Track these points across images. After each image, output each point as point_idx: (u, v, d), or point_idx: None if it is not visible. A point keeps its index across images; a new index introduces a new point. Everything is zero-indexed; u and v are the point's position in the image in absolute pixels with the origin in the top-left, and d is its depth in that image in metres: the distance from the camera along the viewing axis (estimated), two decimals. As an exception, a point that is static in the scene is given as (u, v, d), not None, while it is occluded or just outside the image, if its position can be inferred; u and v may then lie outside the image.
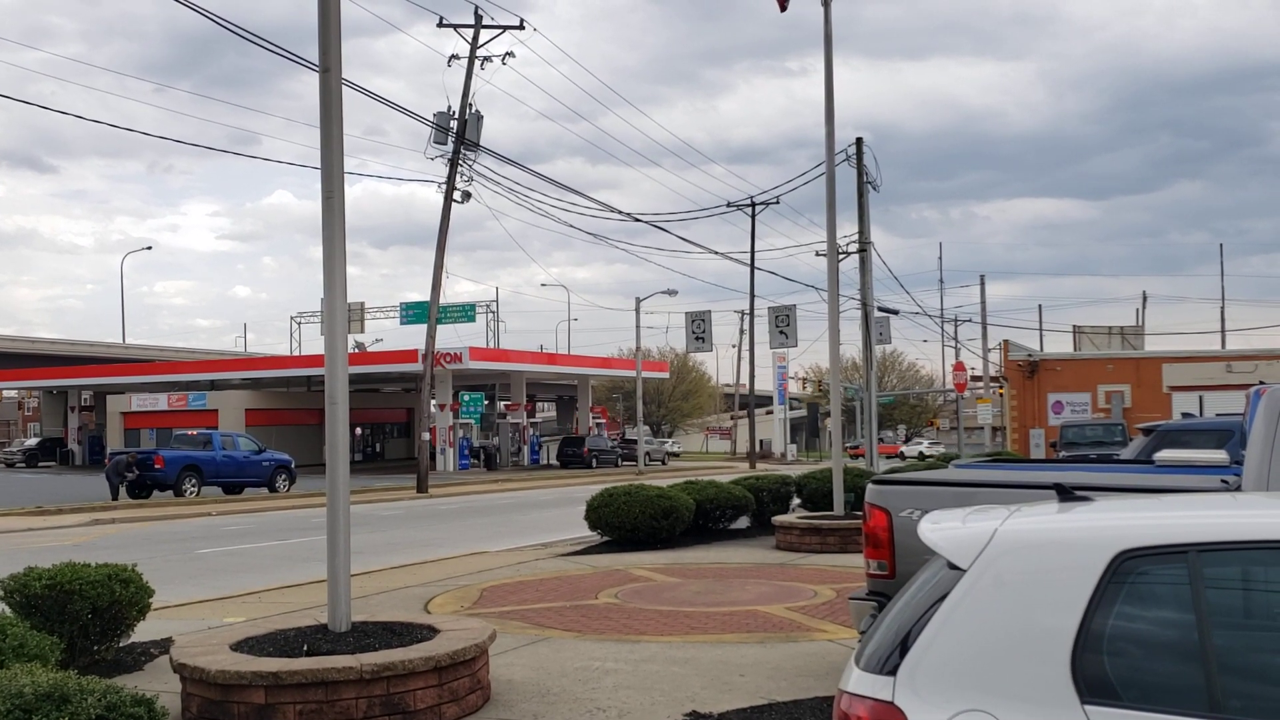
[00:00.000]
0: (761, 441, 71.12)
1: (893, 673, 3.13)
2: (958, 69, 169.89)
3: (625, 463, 56.85)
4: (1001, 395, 47.37)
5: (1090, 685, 2.93)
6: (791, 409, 78.55)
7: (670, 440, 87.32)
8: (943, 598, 3.18)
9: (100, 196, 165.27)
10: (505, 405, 61.35)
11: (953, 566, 3.23)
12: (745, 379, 66.61)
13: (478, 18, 35.46)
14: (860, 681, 3.20)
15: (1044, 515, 3.42)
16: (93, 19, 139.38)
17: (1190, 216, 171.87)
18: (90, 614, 7.83)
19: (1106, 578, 3.01)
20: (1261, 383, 7.09)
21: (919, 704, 3.06)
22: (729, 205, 53.46)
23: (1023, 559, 3.15)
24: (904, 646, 3.16)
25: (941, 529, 3.39)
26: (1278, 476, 5.81)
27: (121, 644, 8.53)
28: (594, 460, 55.49)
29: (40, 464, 62.35)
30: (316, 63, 7.58)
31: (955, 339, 68.04)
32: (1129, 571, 3.02)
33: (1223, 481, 6.74)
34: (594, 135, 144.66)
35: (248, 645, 6.96)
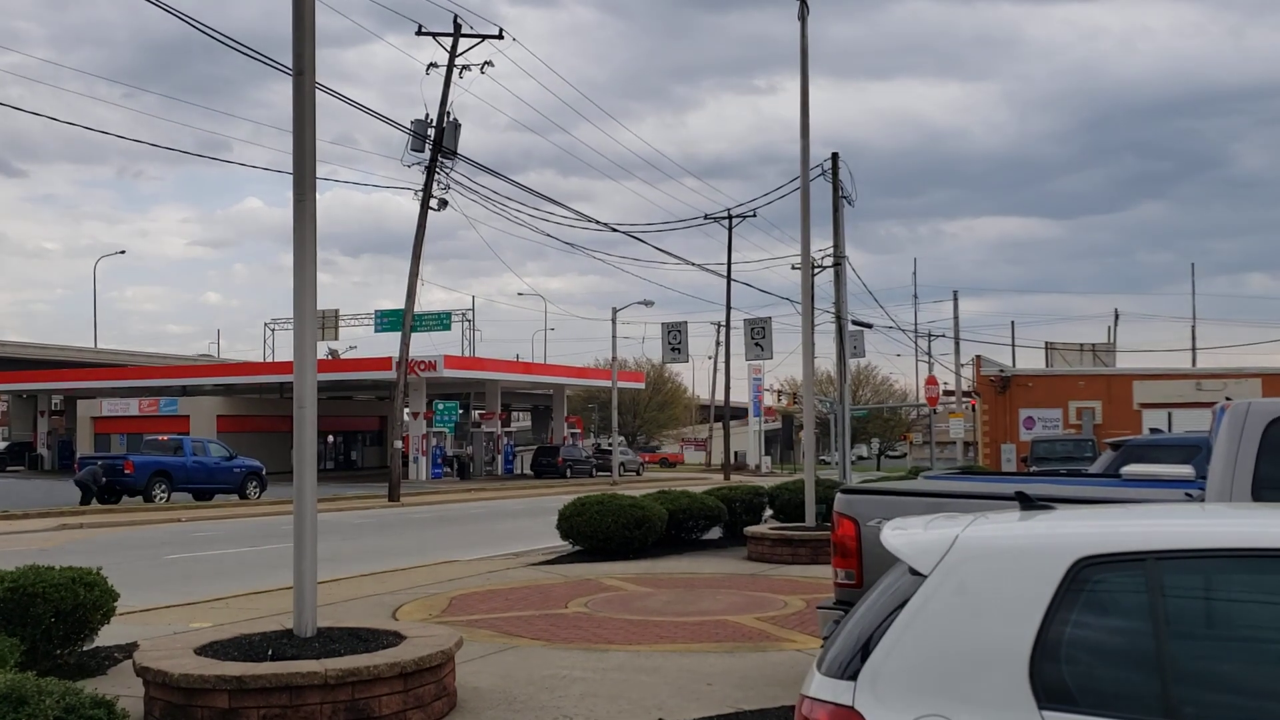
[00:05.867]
0: (737, 453, 71.19)
1: (853, 677, 3.14)
2: (922, 89, 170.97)
3: (600, 473, 56.75)
4: (974, 410, 47.63)
5: (1048, 691, 2.95)
6: (766, 421, 78.68)
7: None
8: (904, 603, 3.19)
9: (69, 201, 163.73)
10: (480, 414, 61.19)
11: (914, 572, 3.25)
12: (720, 391, 66.73)
13: (456, 26, 35.46)
14: (821, 686, 3.21)
15: (1005, 523, 3.45)
16: (61, 25, 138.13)
17: (1156, 236, 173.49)
18: (53, 617, 7.75)
19: (1065, 585, 3.04)
20: (1227, 399, 7.17)
21: (879, 709, 3.07)
22: (705, 218, 53.56)
23: (983, 565, 3.17)
24: (865, 651, 3.17)
25: (903, 535, 3.41)
26: (1240, 490, 5.88)
27: (85, 648, 8.46)
28: (568, 470, 55.41)
29: (8, 468, 61.67)
30: (287, 68, 7.56)
31: (929, 354, 68.36)
32: (1087, 579, 3.05)
33: (1187, 495, 6.81)
34: (566, 146, 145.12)
35: (212, 649, 6.91)
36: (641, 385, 72.50)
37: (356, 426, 65.63)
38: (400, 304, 39.27)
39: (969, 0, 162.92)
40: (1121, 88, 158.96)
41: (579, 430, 69.06)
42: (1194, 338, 66.94)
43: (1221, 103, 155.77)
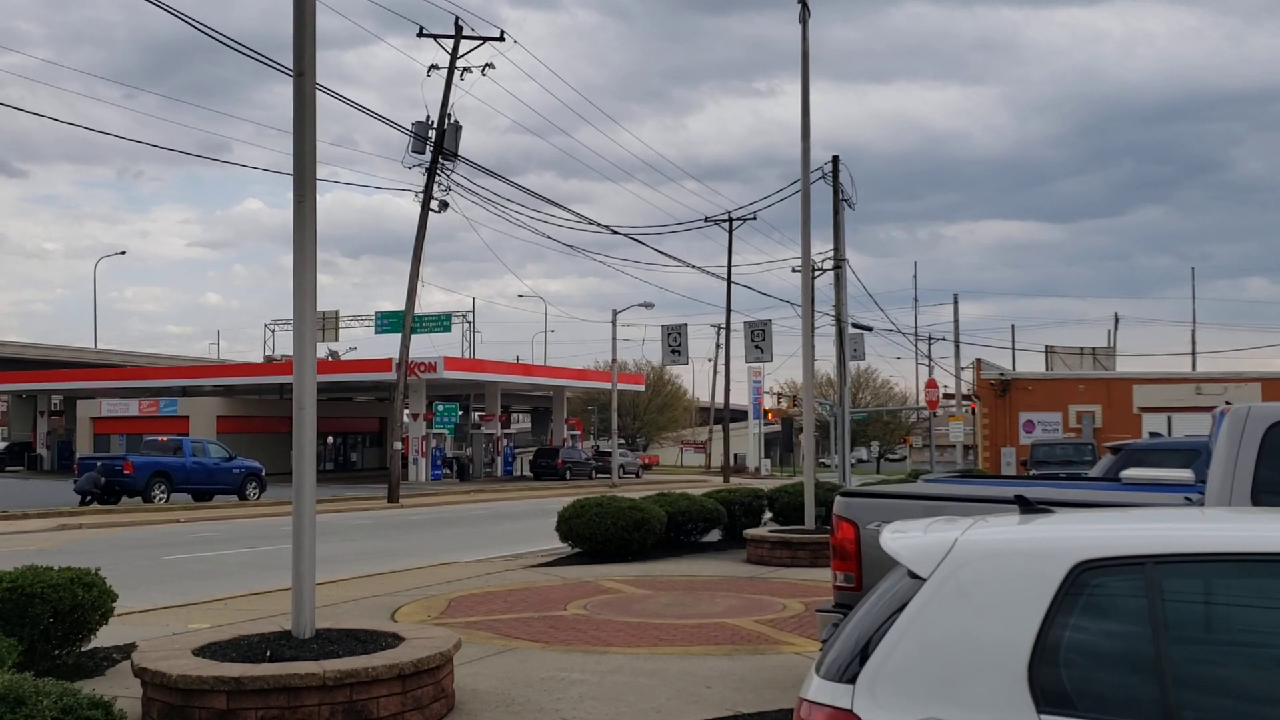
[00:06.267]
0: (736, 455, 71.17)
1: (852, 681, 3.14)
2: (922, 92, 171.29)
3: (599, 475, 56.74)
4: (973, 413, 47.63)
5: (1047, 695, 2.94)
6: (766, 424, 78.70)
7: None
8: (903, 606, 3.19)
9: (70, 201, 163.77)
10: (480, 416, 61.18)
11: (913, 575, 3.24)
12: (720, 393, 66.75)
13: (458, 28, 35.48)
14: (820, 689, 3.20)
15: (1004, 526, 3.44)
16: (61, 24, 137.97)
17: (1155, 240, 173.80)
18: (51, 618, 7.73)
19: (1064, 588, 3.03)
20: (1227, 403, 7.16)
21: (878, 712, 3.06)
22: (706, 220, 53.64)
23: (982, 569, 3.17)
24: (864, 655, 3.17)
25: (903, 538, 3.41)
26: (1240, 494, 5.88)
27: (83, 649, 8.44)
28: (568, 472, 55.41)
29: (8, 469, 61.64)
30: (288, 68, 7.56)
31: (929, 357, 68.36)
32: (1086, 583, 3.04)
33: (1186, 499, 6.81)
34: (566, 149, 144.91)
35: (210, 650, 6.90)
36: (641, 387, 72.51)
37: (356, 428, 65.64)
38: (400, 305, 39.27)
39: (969, 4, 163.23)
40: (1121, 92, 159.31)
41: (578, 432, 69.07)
42: (1194, 342, 66.91)
43: (1221, 107, 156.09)
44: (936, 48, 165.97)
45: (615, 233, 38.31)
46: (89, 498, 30.48)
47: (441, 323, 61.50)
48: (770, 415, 72.75)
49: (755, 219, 54.19)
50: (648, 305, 55.72)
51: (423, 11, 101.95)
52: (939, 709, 3.01)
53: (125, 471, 31.45)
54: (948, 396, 63.04)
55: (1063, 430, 38.68)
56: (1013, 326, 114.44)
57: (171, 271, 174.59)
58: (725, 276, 55.78)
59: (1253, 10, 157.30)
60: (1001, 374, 42.42)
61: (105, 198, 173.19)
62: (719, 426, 68.99)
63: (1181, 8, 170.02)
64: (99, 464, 32.07)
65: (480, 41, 35.81)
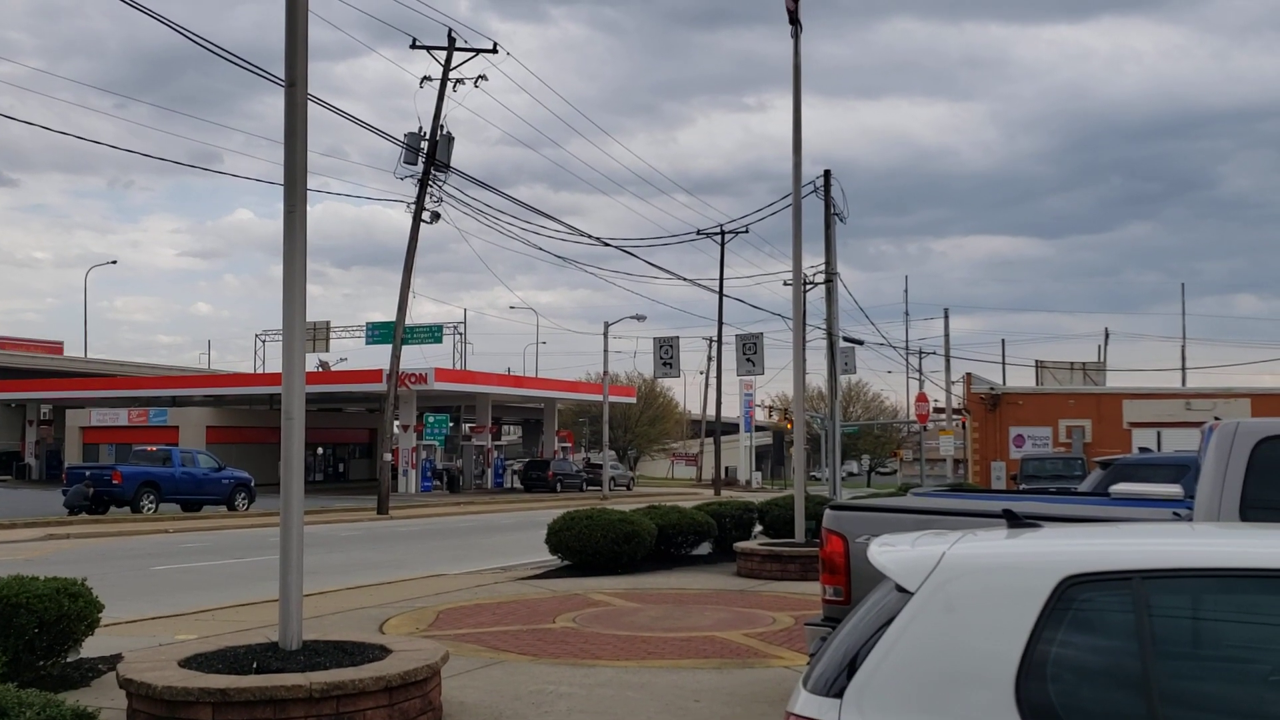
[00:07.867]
0: (727, 468, 71.14)
1: (839, 695, 3.13)
2: (911, 108, 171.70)
3: (590, 487, 56.66)
4: (964, 427, 47.69)
5: (1033, 710, 2.94)
6: (758, 432, 78.69)
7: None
8: (890, 620, 3.18)
9: (60, 211, 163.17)
10: (470, 427, 61.07)
11: (901, 589, 3.24)
12: (712, 406, 66.74)
13: (450, 40, 35.53)
14: (807, 703, 3.19)
15: (992, 540, 3.44)
16: (52, 34, 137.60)
17: (1143, 256, 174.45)
18: (37, 628, 7.68)
19: (1051, 603, 3.03)
20: (1216, 418, 7.18)
21: (864, 726, 3.05)
22: (699, 233, 53.64)
23: (969, 583, 3.16)
24: (851, 669, 3.16)
25: (890, 551, 3.40)
26: (1228, 509, 5.89)
27: (69, 660, 8.39)
28: (558, 484, 55.30)
29: (-5, 478, 61.36)
30: (279, 79, 7.56)
31: (920, 371, 68.48)
32: (1073, 597, 3.04)
33: (1175, 514, 6.81)
34: (557, 161, 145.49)
35: (197, 662, 6.86)
36: (633, 400, 72.44)
37: (346, 439, 65.46)
38: (391, 316, 39.25)
39: (956, 21, 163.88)
40: (1109, 109, 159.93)
41: (569, 444, 68.96)
42: (1184, 357, 67.01)
43: (1205, 125, 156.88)
44: (925, 64, 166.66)
45: (606, 245, 38.47)
46: (78, 510, 30.34)
47: (432, 334, 61.43)
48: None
49: (747, 232, 54.26)
50: (639, 318, 55.42)
51: (414, 24, 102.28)
52: (926, 724, 3.00)
53: (114, 481, 31.33)
54: (938, 410, 63.07)
55: (1052, 445, 38.78)
56: (1003, 341, 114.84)
57: (162, 281, 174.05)
58: (717, 289, 55.85)
59: (1239, 29, 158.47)
60: (992, 388, 42.51)
61: (96, 207, 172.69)
62: (710, 439, 68.97)
63: (1168, 26, 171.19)
64: (87, 473, 31.94)
65: (473, 53, 35.85)
